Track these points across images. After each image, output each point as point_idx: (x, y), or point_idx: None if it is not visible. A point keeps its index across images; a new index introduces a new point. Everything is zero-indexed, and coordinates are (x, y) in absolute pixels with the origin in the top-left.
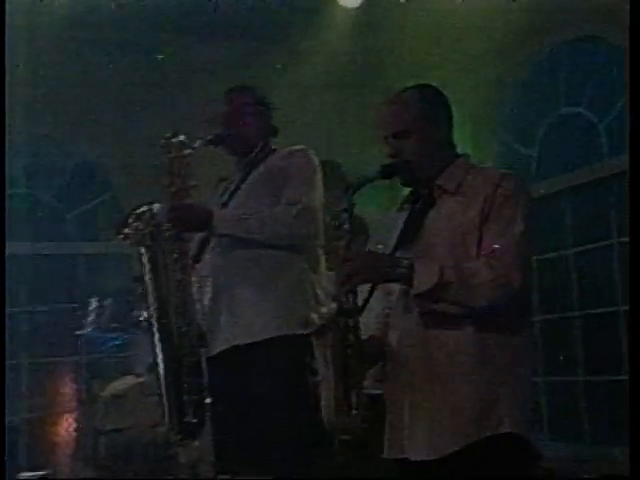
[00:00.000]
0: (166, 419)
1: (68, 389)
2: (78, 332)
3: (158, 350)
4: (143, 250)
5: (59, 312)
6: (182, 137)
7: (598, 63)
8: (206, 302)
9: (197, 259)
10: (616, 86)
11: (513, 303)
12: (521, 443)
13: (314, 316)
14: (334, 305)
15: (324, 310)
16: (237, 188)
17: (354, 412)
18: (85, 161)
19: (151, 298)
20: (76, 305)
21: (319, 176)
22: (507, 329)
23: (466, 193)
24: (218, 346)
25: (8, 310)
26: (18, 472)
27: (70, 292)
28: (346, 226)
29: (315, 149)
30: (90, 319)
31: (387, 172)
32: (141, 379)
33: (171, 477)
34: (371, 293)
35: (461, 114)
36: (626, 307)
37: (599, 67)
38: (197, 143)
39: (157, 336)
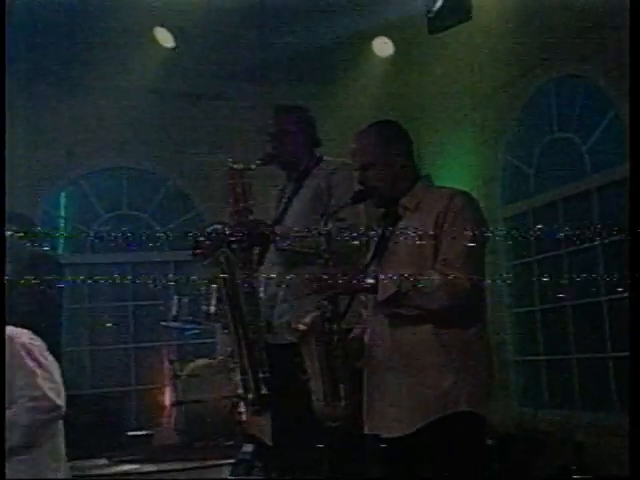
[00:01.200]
0: (249, 392)
1: (159, 369)
2: (164, 323)
3: (234, 337)
4: (215, 262)
5: (152, 307)
6: (237, 165)
7: (579, 96)
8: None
9: (260, 262)
10: (595, 115)
11: (464, 304)
12: (476, 419)
13: (299, 325)
14: (317, 313)
15: (308, 320)
16: (290, 201)
17: (342, 403)
18: (175, 187)
19: (225, 298)
20: (162, 302)
21: None
22: (461, 324)
23: (423, 210)
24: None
25: (116, 304)
26: (126, 431)
27: (162, 291)
28: (324, 247)
29: None
30: (172, 313)
31: (357, 198)
32: (212, 361)
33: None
34: (350, 301)
35: (474, 141)
36: (606, 297)
37: (581, 99)
38: (252, 166)
39: (232, 327)
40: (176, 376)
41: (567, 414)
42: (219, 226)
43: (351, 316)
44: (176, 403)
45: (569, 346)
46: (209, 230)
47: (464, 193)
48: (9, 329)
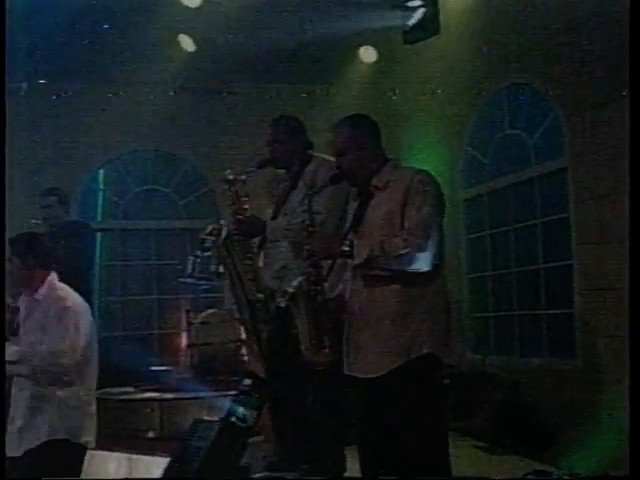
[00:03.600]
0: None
1: (177, 317)
2: (181, 279)
3: (243, 304)
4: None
5: (172, 265)
6: (232, 176)
7: (527, 100)
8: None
9: (261, 248)
10: (539, 116)
11: (425, 265)
12: (437, 360)
13: (289, 288)
14: (302, 278)
15: (295, 282)
16: (286, 196)
17: (325, 351)
18: (192, 167)
19: (234, 279)
20: (180, 262)
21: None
22: (422, 282)
23: (391, 188)
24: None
25: (143, 262)
26: (151, 366)
27: (180, 252)
28: (307, 222)
29: None
30: (188, 271)
31: (335, 180)
32: (220, 311)
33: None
34: (332, 266)
35: (443, 133)
36: (543, 266)
37: (527, 103)
38: (249, 171)
39: (243, 298)
40: (190, 323)
41: (508, 360)
42: (216, 225)
43: (334, 278)
44: (190, 345)
45: (512, 304)
46: (208, 230)
47: (424, 172)
48: (62, 288)
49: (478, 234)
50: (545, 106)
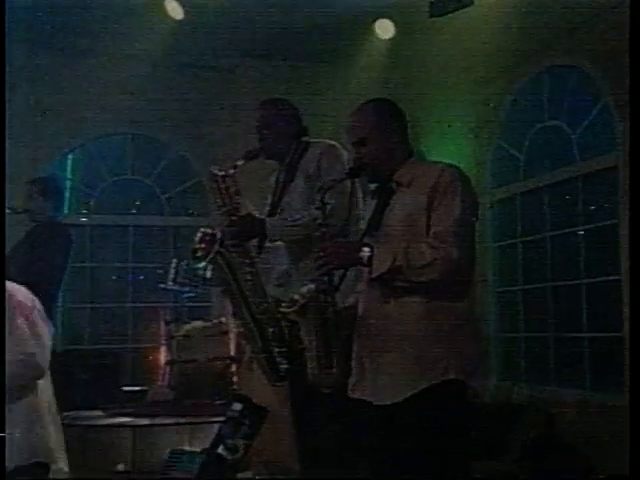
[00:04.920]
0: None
1: (155, 329)
2: (162, 285)
3: (245, 315)
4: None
5: (152, 269)
6: (220, 171)
7: (571, 85)
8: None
9: (260, 251)
10: (585, 104)
11: (454, 276)
12: (463, 387)
13: (297, 297)
14: (313, 286)
15: (304, 290)
16: (283, 191)
17: (334, 370)
18: (177, 155)
19: (233, 290)
20: (162, 265)
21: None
22: (451, 297)
23: (416, 185)
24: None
25: (117, 265)
26: (123, 386)
27: (161, 255)
28: (319, 221)
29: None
30: (171, 276)
31: (352, 173)
32: (206, 323)
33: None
34: (344, 275)
35: (469, 124)
36: (586, 281)
37: (572, 89)
38: (238, 163)
39: (244, 308)
40: (171, 337)
41: (542, 390)
42: (208, 230)
43: (345, 287)
44: (170, 362)
45: (548, 325)
46: (199, 236)
47: (453, 167)
48: (9, 285)
49: (509, 241)
50: (593, 93)
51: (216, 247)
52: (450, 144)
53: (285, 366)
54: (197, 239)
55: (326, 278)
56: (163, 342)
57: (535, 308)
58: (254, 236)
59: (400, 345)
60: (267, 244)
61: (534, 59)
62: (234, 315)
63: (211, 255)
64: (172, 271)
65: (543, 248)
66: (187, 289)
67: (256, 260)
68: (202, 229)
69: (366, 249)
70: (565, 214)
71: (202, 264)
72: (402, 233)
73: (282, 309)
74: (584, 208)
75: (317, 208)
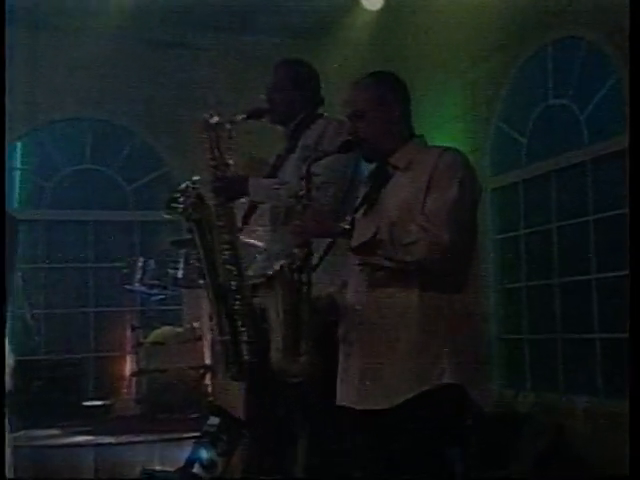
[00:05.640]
0: (229, 361)
1: (121, 335)
2: (127, 287)
3: (213, 304)
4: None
5: (116, 270)
6: (217, 118)
7: (579, 60)
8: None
9: (245, 221)
10: (595, 80)
11: (444, 262)
12: (462, 394)
13: (266, 271)
14: (286, 261)
15: (275, 266)
16: (283, 159)
17: (303, 358)
18: (143, 141)
19: (203, 259)
20: (127, 264)
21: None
22: (448, 289)
23: (414, 170)
24: None
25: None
26: (83, 400)
27: (125, 253)
28: (302, 192)
29: None
30: (137, 276)
31: (344, 148)
32: (178, 329)
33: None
34: (326, 251)
35: (464, 105)
36: (596, 276)
37: (580, 63)
38: (238, 118)
39: (211, 292)
40: (139, 344)
41: (549, 397)
42: (191, 182)
43: (328, 273)
44: (138, 372)
45: (555, 325)
46: (182, 186)
47: (454, 150)
48: None
49: (511, 234)
50: (603, 67)
51: (192, 199)
52: (444, 127)
53: (249, 359)
54: (181, 188)
55: (301, 252)
56: (129, 350)
57: (540, 307)
58: (237, 195)
59: (389, 341)
60: (257, 213)
61: (538, 30)
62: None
63: (185, 207)
64: (139, 271)
65: (549, 241)
66: (156, 291)
67: (239, 229)
68: (188, 182)
69: (347, 219)
70: (573, 203)
71: (174, 216)
72: (396, 216)
73: (250, 281)
74: (594, 196)
75: (301, 178)
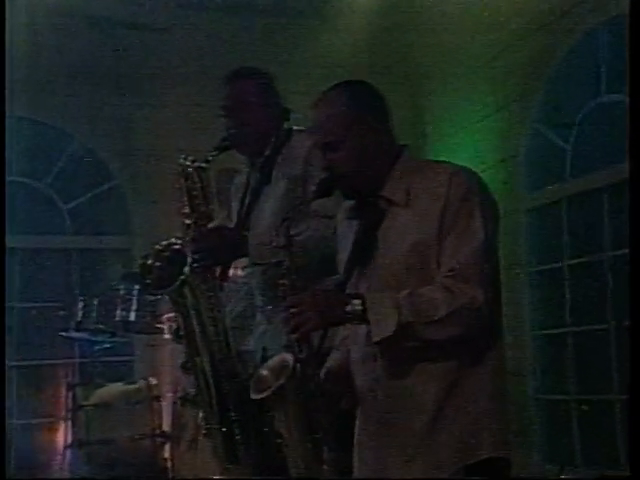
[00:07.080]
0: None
1: (54, 396)
2: (63, 333)
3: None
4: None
5: (48, 311)
6: (194, 163)
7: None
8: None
9: (223, 278)
10: None
11: (482, 328)
12: (503, 463)
13: (265, 372)
14: (286, 355)
15: (276, 364)
16: (256, 196)
17: (325, 467)
18: (84, 147)
19: (195, 329)
20: (63, 304)
21: None
22: (475, 353)
23: (418, 204)
24: None
25: None
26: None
27: (61, 289)
28: (286, 263)
29: None
30: (77, 319)
31: (323, 190)
32: (131, 387)
33: None
34: (324, 335)
35: (493, 104)
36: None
37: None
38: (203, 165)
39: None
40: (78, 406)
41: (602, 474)
42: (175, 240)
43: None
44: (76, 443)
45: (612, 382)
46: (162, 247)
47: (465, 171)
48: None
49: (552, 265)
50: None
51: (186, 270)
52: (465, 132)
53: (243, 444)
54: (152, 255)
55: (303, 345)
56: (64, 415)
57: (593, 358)
58: (232, 257)
59: (415, 423)
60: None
61: (589, 7)
62: (183, 368)
63: (177, 283)
64: (79, 313)
65: (600, 273)
66: (100, 338)
67: (219, 293)
68: (160, 243)
69: (356, 301)
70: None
71: (158, 296)
72: (404, 269)
73: (252, 395)
74: None
75: (282, 247)
